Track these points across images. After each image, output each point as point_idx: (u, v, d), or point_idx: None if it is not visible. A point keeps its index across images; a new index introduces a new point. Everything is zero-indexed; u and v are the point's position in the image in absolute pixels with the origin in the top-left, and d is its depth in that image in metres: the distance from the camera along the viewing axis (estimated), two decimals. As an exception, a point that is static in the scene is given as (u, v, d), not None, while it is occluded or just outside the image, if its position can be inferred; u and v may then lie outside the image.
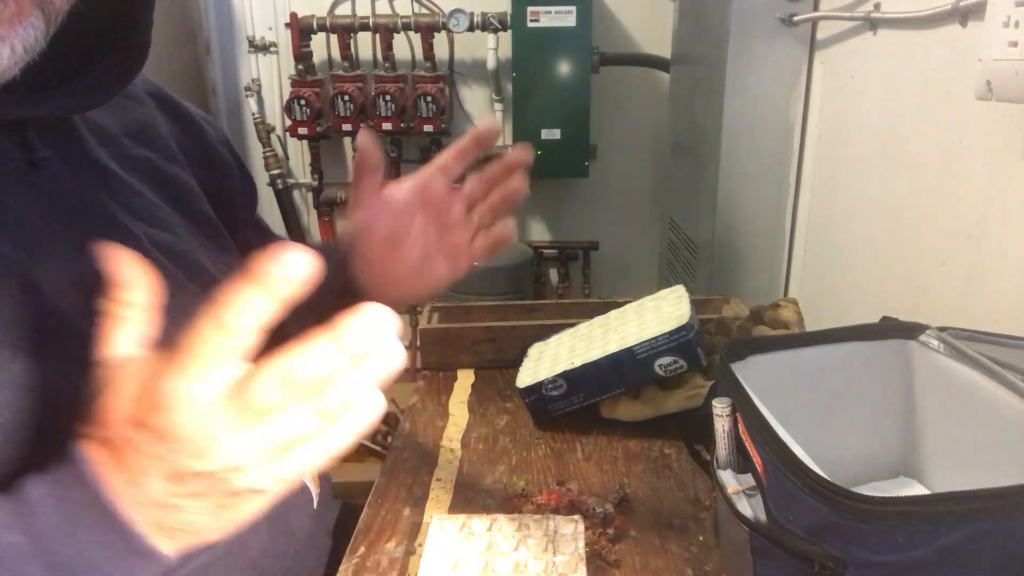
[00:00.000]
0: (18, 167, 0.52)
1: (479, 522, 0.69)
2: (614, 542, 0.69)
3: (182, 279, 0.61)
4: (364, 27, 2.09)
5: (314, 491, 0.72)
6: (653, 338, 0.84)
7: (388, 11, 2.18)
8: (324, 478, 0.76)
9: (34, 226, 0.52)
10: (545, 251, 2.36)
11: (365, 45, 2.20)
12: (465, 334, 1.08)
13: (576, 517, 0.69)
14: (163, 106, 0.68)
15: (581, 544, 0.66)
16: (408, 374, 0.93)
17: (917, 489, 0.68)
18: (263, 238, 0.82)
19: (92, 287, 0.53)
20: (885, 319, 0.69)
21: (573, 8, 1.95)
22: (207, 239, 0.67)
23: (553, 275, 2.41)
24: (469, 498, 0.77)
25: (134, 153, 0.62)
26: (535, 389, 0.89)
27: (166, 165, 0.65)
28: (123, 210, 0.59)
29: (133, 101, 0.65)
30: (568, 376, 0.88)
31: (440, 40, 2.15)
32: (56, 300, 0.50)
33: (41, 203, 0.53)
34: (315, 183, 2.30)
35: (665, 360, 0.85)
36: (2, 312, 0.47)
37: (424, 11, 2.15)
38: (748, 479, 0.57)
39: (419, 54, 2.15)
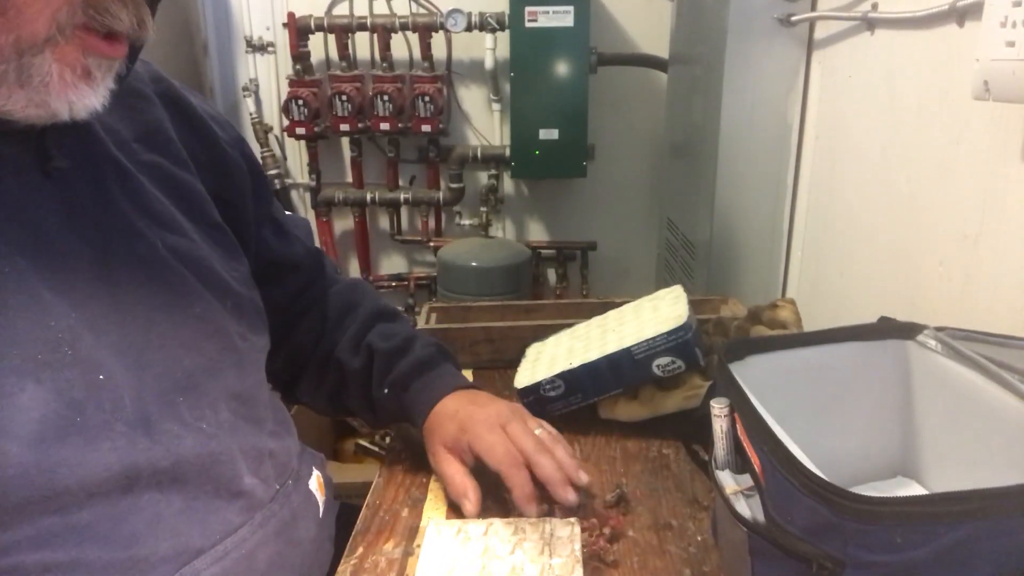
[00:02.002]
0: (34, 178, 0.52)
1: (475, 526, 0.69)
2: (612, 542, 0.69)
3: (197, 286, 0.61)
4: (362, 27, 2.09)
5: (320, 500, 0.72)
6: (651, 338, 0.84)
7: (386, 11, 2.18)
8: (328, 483, 0.76)
9: (52, 238, 0.52)
10: (543, 251, 2.36)
11: (363, 45, 2.20)
12: (463, 334, 1.08)
13: (572, 520, 0.69)
14: (173, 108, 0.67)
15: (577, 546, 0.66)
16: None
17: (915, 489, 0.68)
18: (279, 234, 0.81)
19: (104, 302, 0.53)
20: (883, 319, 0.69)
21: (571, 8, 1.95)
22: (218, 245, 0.67)
23: (551, 275, 2.41)
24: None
25: (145, 158, 0.62)
26: (533, 390, 0.89)
27: (177, 171, 0.65)
28: (141, 214, 0.59)
29: (143, 102, 0.64)
30: (566, 377, 0.88)
31: (438, 40, 2.15)
32: (67, 321, 0.50)
33: (59, 212, 0.53)
34: (313, 183, 2.30)
35: (663, 360, 0.85)
36: (14, 335, 0.47)
37: (422, 11, 2.15)
38: (746, 479, 0.57)
39: (417, 54, 2.15)
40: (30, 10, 0.44)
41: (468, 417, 0.75)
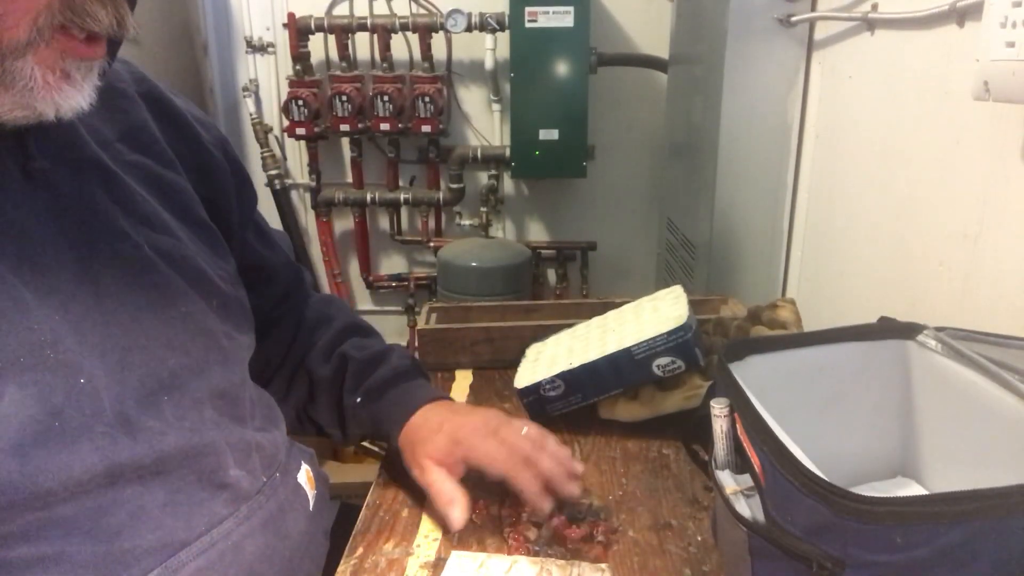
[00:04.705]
0: (15, 179, 0.52)
1: (498, 561, 0.66)
2: (604, 545, 0.69)
3: (183, 285, 0.61)
4: (362, 27, 2.09)
5: (310, 494, 0.72)
6: (651, 338, 0.84)
7: (386, 11, 2.17)
8: (321, 479, 0.76)
9: (35, 240, 0.52)
10: (543, 251, 2.36)
11: (363, 45, 2.20)
12: (463, 335, 1.08)
13: (603, 566, 0.66)
14: (156, 109, 0.67)
15: None
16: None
17: (915, 489, 0.68)
18: (262, 240, 0.81)
19: (87, 303, 0.53)
20: (883, 319, 0.69)
21: (571, 8, 1.95)
22: (204, 243, 0.66)
23: (551, 275, 2.41)
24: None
25: (130, 159, 0.62)
26: (533, 390, 0.89)
27: (162, 171, 0.65)
28: (125, 214, 0.58)
29: (127, 102, 0.64)
30: (566, 377, 0.88)
31: (438, 40, 2.15)
32: (49, 324, 0.50)
33: (42, 214, 0.53)
34: (313, 183, 2.30)
35: (663, 360, 0.85)
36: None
37: (422, 11, 2.15)
38: (746, 479, 0.57)
39: (417, 54, 2.15)
40: (10, 17, 0.44)
41: (457, 428, 0.73)
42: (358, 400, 0.79)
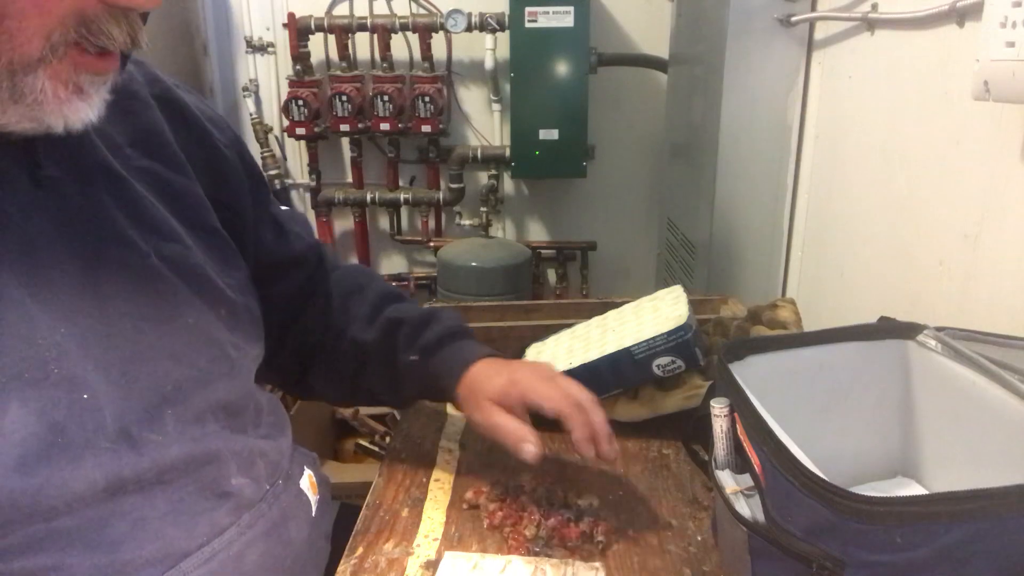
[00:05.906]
0: (24, 187, 0.51)
1: (492, 561, 0.66)
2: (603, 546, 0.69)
3: (189, 295, 0.60)
4: (362, 27, 2.10)
5: (312, 499, 0.71)
6: (651, 338, 0.84)
7: (386, 11, 2.18)
8: (323, 483, 0.76)
9: (41, 249, 0.51)
10: (543, 251, 2.36)
11: (363, 45, 2.20)
12: (463, 334, 1.08)
13: (597, 565, 0.66)
14: (169, 111, 0.66)
15: None
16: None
17: (915, 489, 0.68)
18: (280, 234, 0.78)
19: (92, 315, 0.53)
20: (883, 319, 0.69)
21: (571, 8, 1.95)
22: (214, 251, 0.66)
23: (551, 275, 2.41)
24: (467, 499, 0.77)
25: (140, 164, 0.61)
26: (533, 389, 0.89)
27: (173, 176, 0.64)
28: (133, 222, 0.58)
29: (139, 105, 0.63)
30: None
31: (438, 40, 2.15)
32: (54, 338, 0.50)
33: (48, 223, 0.52)
34: (313, 183, 2.31)
35: (663, 360, 0.85)
36: (0, 351, 0.47)
37: (422, 11, 2.15)
38: (746, 479, 0.57)
39: (417, 54, 2.16)
40: (23, 33, 0.44)
41: (515, 371, 0.75)
42: (414, 358, 0.79)
